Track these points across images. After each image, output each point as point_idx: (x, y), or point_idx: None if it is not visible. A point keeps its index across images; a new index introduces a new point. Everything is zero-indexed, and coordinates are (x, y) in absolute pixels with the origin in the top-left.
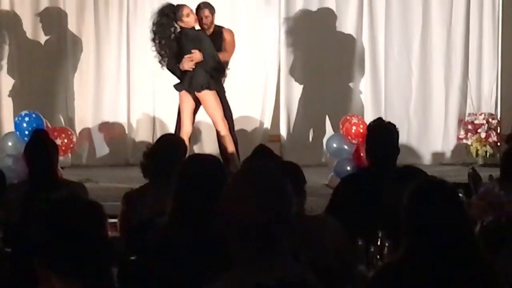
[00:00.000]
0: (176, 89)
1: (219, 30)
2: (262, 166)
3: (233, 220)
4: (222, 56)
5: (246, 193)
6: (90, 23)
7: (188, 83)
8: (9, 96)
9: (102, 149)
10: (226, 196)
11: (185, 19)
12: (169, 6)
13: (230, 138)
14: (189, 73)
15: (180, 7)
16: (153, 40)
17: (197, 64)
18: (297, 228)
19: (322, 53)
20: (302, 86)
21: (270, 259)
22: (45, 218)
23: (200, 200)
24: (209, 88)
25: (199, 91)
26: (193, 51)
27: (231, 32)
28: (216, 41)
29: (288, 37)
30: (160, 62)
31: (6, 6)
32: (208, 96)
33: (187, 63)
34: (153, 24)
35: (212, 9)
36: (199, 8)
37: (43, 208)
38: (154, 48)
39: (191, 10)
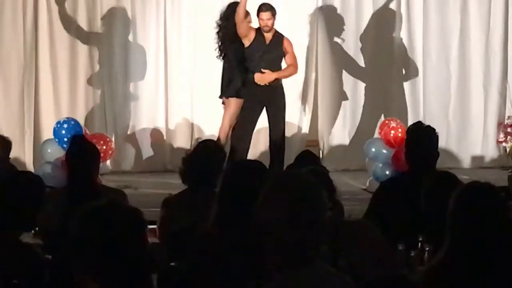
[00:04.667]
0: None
1: (279, 36)
2: (296, 174)
3: (269, 229)
4: (288, 71)
5: (280, 202)
6: (127, 29)
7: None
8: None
9: (141, 155)
10: (261, 205)
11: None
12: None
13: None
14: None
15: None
16: (217, 33)
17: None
18: (336, 234)
19: (359, 57)
20: (339, 90)
21: (308, 268)
22: (85, 225)
23: (244, 206)
24: (238, 97)
25: (227, 96)
26: (265, 71)
27: (291, 43)
28: (276, 48)
29: (325, 42)
30: (217, 57)
31: (44, 13)
32: (233, 104)
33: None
34: (220, 18)
35: (274, 12)
36: (260, 10)
37: (84, 215)
38: (216, 41)
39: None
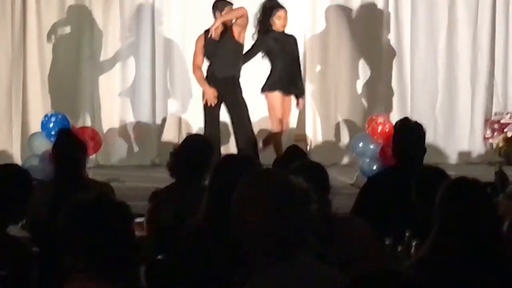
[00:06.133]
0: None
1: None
2: (271, 170)
3: (249, 227)
4: (233, 13)
5: (257, 199)
6: (116, 23)
7: None
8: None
9: (129, 149)
10: (238, 203)
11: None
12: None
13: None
14: None
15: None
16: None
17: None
18: (323, 228)
19: (347, 53)
20: (327, 85)
21: (293, 261)
22: (73, 218)
23: None
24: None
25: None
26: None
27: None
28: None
29: (313, 37)
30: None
31: (32, 8)
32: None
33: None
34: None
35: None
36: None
37: (71, 208)
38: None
39: (285, 14)
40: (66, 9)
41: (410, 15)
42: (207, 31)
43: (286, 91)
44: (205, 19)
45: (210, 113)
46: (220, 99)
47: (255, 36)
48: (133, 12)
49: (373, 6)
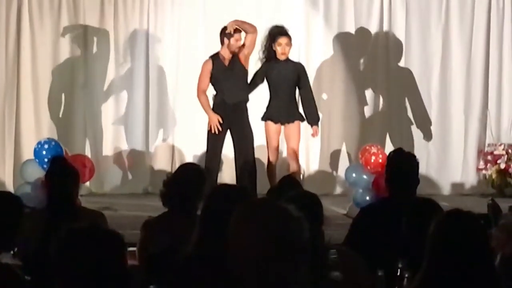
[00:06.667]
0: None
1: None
2: (265, 199)
3: (242, 255)
4: (249, 26)
5: (252, 227)
6: (111, 49)
7: None
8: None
9: (122, 177)
10: (233, 232)
11: (277, 47)
12: (274, 28)
13: None
14: None
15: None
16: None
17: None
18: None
19: (341, 82)
20: (321, 115)
21: None
22: (65, 247)
23: (225, 231)
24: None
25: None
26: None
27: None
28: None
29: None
30: None
31: (26, 35)
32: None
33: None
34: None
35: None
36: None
37: (63, 236)
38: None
39: (287, 41)
40: (60, 36)
41: (404, 47)
42: (214, 56)
43: (277, 120)
44: (199, 46)
45: (214, 140)
46: (226, 126)
47: (259, 63)
48: (127, 38)
49: (368, 35)
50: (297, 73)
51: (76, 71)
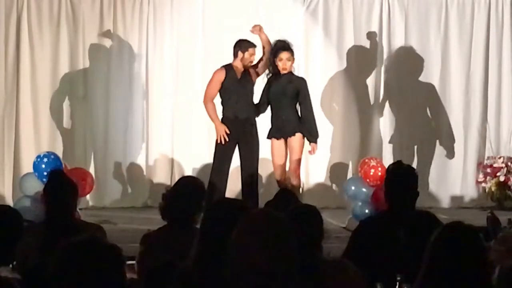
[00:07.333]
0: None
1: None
2: (266, 213)
3: (241, 269)
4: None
5: (251, 243)
6: (107, 64)
7: None
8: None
9: (121, 190)
10: (232, 247)
11: (278, 63)
12: (276, 42)
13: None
14: None
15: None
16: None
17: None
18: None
19: (340, 96)
20: (319, 128)
21: None
22: (64, 260)
23: (225, 245)
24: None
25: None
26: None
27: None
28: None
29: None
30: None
31: (26, 46)
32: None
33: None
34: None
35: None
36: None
37: (62, 250)
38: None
39: (288, 56)
40: (59, 49)
41: (403, 60)
42: (228, 66)
43: (279, 136)
44: (198, 60)
45: (222, 154)
46: (235, 140)
47: (266, 78)
48: (126, 51)
49: (366, 50)
50: (298, 88)
51: (75, 83)
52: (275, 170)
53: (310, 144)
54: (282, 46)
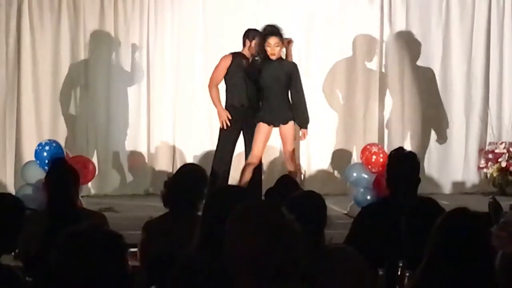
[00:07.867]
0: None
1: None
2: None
3: (239, 257)
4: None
5: (247, 230)
6: (109, 53)
7: None
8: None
9: (123, 178)
10: (229, 234)
11: (267, 48)
12: (265, 27)
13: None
14: None
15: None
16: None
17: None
18: (316, 258)
19: (342, 82)
20: (321, 114)
21: None
22: (66, 248)
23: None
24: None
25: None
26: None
27: None
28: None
29: (306, 65)
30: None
31: (27, 35)
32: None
33: None
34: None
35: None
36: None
37: (64, 239)
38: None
39: (276, 41)
40: (60, 37)
41: (405, 47)
42: (235, 53)
43: (269, 122)
44: (199, 47)
45: (225, 141)
46: (239, 128)
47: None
48: (128, 39)
49: (368, 37)
50: (289, 73)
51: (77, 72)
52: (252, 151)
53: (300, 129)
54: (271, 31)
